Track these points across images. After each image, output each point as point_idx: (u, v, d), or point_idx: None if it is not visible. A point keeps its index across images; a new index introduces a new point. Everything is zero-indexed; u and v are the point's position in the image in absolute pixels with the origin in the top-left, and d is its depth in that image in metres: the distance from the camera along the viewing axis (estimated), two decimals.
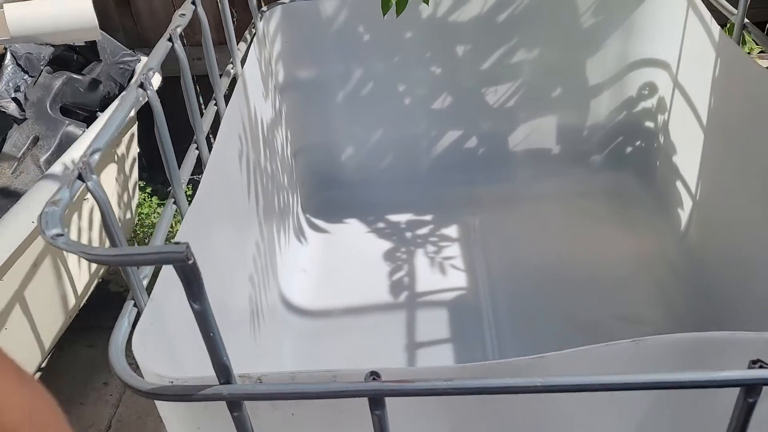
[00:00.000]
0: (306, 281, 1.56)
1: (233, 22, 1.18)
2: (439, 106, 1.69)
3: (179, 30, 0.85)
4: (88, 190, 0.58)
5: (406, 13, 1.40)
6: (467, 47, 1.58)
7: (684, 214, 1.50)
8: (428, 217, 1.73)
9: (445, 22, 1.53)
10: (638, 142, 1.72)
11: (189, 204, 0.85)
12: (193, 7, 0.94)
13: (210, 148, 0.97)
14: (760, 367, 0.59)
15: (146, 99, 0.72)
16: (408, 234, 1.68)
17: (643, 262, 1.51)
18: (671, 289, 1.43)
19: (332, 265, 1.61)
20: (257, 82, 1.33)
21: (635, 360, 0.65)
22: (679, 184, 1.52)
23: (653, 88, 1.61)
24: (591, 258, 1.54)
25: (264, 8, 1.49)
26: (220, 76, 1.08)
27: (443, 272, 1.55)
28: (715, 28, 1.23)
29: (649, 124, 1.67)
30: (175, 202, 0.82)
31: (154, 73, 0.73)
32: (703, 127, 1.35)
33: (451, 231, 1.68)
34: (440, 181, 1.79)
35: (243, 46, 1.29)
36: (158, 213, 1.92)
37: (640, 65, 1.59)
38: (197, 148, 0.93)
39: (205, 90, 1.17)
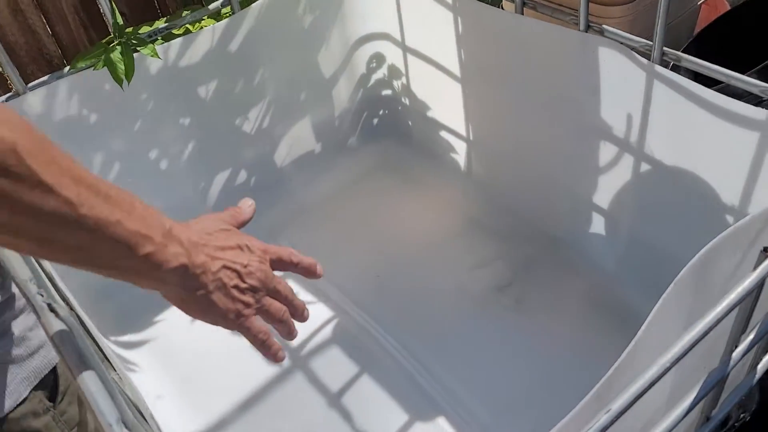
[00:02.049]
0: (171, 406, 1.31)
1: None
2: (198, 154, 1.53)
3: None
4: None
5: (135, 74, 1.23)
6: (209, 85, 1.44)
7: (460, 157, 1.66)
8: None
9: (178, 68, 1.37)
10: (382, 112, 1.82)
11: None
12: None
13: None
14: None
15: None
16: None
17: (452, 210, 1.65)
18: (487, 221, 1.60)
19: (183, 373, 1.38)
20: None
21: (676, 298, 0.72)
22: (443, 133, 1.67)
23: (380, 58, 1.70)
24: (410, 231, 1.61)
25: None
26: None
27: (299, 325, 1.45)
28: None
29: (387, 92, 1.77)
30: None
31: None
32: (458, 78, 1.49)
33: None
34: None
35: None
36: None
37: (362, 42, 1.66)
38: None
39: None
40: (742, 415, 1.17)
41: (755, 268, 0.72)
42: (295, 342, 1.39)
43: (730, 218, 1.09)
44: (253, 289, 0.66)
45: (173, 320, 1.48)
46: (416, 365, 1.33)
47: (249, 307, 0.66)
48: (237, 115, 1.54)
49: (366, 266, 1.54)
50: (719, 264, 0.81)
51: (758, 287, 0.72)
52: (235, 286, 0.64)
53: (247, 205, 0.79)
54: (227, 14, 1.49)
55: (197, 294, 0.61)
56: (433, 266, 1.52)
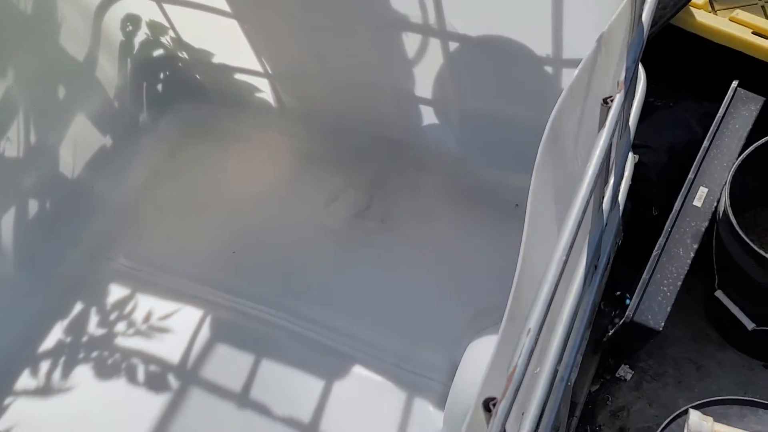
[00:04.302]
0: None
1: None
2: None
3: None
4: None
5: None
6: None
7: (266, 94, 1.52)
8: (80, 306, 1.38)
9: None
10: (162, 75, 1.60)
11: None
12: None
13: None
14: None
15: None
16: (84, 341, 1.33)
17: (280, 153, 1.52)
18: (320, 150, 1.49)
19: None
20: None
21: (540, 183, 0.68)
22: (239, 76, 1.50)
23: (134, 19, 1.46)
24: (248, 191, 1.47)
25: None
26: None
27: (171, 338, 1.30)
28: None
29: (158, 52, 1.54)
30: None
31: None
32: (230, 14, 1.31)
33: (118, 289, 1.38)
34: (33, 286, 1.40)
35: None
36: None
37: (105, 8, 1.41)
38: None
39: None
40: (616, 245, 1.24)
41: (602, 126, 0.70)
42: (176, 360, 1.25)
43: (548, 69, 1.08)
44: None
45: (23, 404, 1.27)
46: (309, 326, 1.25)
47: None
48: None
49: (218, 247, 1.40)
50: (565, 127, 0.78)
51: (611, 141, 0.70)
52: None
53: None
54: None
55: None
56: (286, 219, 1.41)
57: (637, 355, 1.29)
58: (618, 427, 1.22)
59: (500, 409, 0.52)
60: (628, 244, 1.27)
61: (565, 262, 0.61)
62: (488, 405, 0.54)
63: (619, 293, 1.29)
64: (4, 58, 1.24)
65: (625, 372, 1.27)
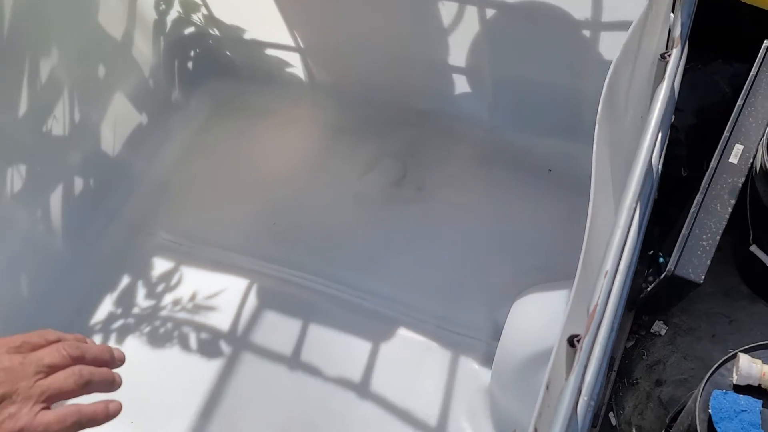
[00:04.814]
0: None
1: None
2: (17, 184, 1.29)
3: None
4: None
5: None
6: None
7: (297, 69, 1.54)
8: (127, 279, 1.42)
9: None
10: (193, 53, 1.63)
11: None
12: None
13: None
14: None
15: None
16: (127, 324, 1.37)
17: (313, 126, 1.55)
18: (351, 122, 1.53)
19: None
20: None
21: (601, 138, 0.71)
22: (270, 51, 1.53)
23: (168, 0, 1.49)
24: (283, 164, 1.51)
25: None
26: None
27: (220, 307, 1.34)
28: None
29: (189, 30, 1.57)
30: None
31: None
32: None
33: (162, 262, 1.42)
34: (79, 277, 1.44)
35: None
36: None
37: None
38: None
39: None
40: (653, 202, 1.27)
41: (659, 80, 0.73)
42: (227, 328, 1.30)
43: (586, 33, 1.11)
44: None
45: None
46: (351, 291, 1.29)
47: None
48: (41, 121, 1.29)
49: (257, 219, 1.44)
50: (619, 85, 0.81)
51: (670, 93, 0.73)
52: None
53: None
54: None
55: None
56: (323, 189, 1.45)
57: (671, 312, 1.33)
58: (655, 380, 1.26)
59: (585, 343, 0.56)
60: (659, 204, 1.31)
61: (635, 210, 0.64)
62: (572, 341, 0.58)
63: (651, 252, 1.33)
64: (49, 38, 1.26)
65: (659, 327, 1.31)
